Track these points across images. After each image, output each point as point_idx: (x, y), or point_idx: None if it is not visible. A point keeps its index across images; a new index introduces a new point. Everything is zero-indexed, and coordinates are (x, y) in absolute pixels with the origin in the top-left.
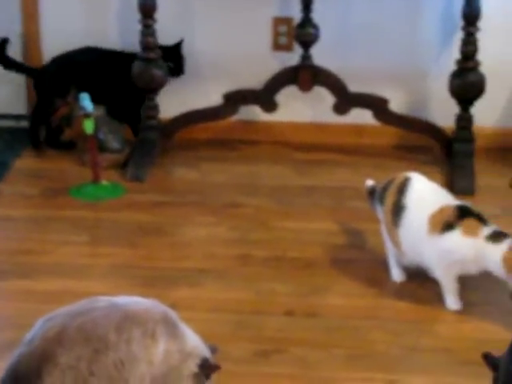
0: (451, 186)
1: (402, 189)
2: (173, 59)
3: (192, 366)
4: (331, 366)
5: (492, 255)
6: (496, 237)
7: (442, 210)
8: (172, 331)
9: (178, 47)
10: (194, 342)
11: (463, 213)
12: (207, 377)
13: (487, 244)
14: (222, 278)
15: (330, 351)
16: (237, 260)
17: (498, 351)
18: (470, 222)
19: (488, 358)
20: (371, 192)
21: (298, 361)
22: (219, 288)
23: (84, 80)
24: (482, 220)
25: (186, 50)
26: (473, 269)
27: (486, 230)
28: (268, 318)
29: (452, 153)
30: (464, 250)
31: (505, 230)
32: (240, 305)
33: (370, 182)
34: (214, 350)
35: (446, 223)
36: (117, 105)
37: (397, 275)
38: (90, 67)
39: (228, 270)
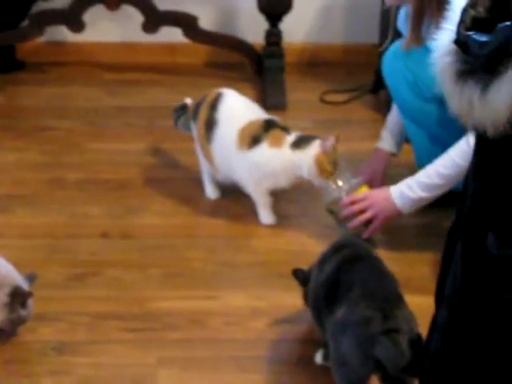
0: (264, 102)
1: (214, 104)
2: None
3: (2, 297)
4: (148, 286)
5: (302, 161)
6: (301, 142)
7: (250, 125)
8: None
9: None
10: (5, 272)
11: (269, 125)
12: (23, 305)
13: (294, 152)
14: (33, 204)
15: (146, 271)
16: (49, 184)
17: (311, 263)
18: (275, 133)
19: (297, 273)
20: (179, 109)
21: (113, 282)
22: (31, 213)
23: None
24: (285, 130)
25: None
26: (283, 181)
27: (290, 138)
28: (82, 241)
29: (263, 69)
30: (272, 163)
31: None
32: (53, 229)
33: (186, 101)
34: (32, 278)
35: (253, 137)
36: None
37: (211, 192)
38: None
39: (40, 195)
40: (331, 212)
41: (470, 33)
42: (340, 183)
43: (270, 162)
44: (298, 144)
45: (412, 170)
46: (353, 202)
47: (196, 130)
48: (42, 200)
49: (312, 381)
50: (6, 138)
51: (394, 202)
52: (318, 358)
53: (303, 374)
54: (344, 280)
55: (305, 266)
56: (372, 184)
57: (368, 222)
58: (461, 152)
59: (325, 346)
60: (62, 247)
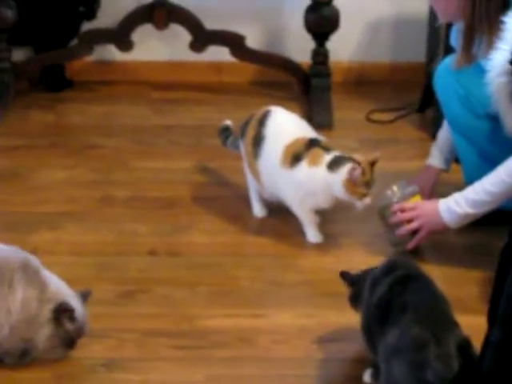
0: (310, 121)
1: (263, 120)
2: (84, 2)
3: (46, 312)
4: (196, 304)
5: (334, 183)
6: (335, 163)
7: (295, 142)
8: (31, 278)
9: None
10: (55, 288)
11: (311, 144)
12: (71, 320)
13: (328, 172)
14: (83, 221)
15: (194, 289)
16: (98, 202)
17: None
18: (315, 151)
19: (345, 276)
20: (223, 131)
21: (162, 300)
22: (81, 231)
23: None
24: (326, 149)
25: None
26: (323, 200)
27: (328, 157)
28: (131, 259)
29: (310, 88)
30: (310, 182)
31: (347, 154)
32: (102, 247)
33: (227, 122)
34: (86, 294)
35: (295, 155)
36: None
37: (258, 211)
38: None
39: (89, 212)
40: (383, 217)
41: None
42: (395, 189)
43: (308, 180)
44: (332, 165)
45: (461, 188)
46: (402, 210)
47: (244, 147)
48: (91, 217)
49: None
50: (56, 156)
51: (441, 216)
52: (367, 377)
53: None
54: (396, 302)
55: None
56: None
57: (414, 232)
58: (509, 170)
59: (374, 365)
60: (112, 264)
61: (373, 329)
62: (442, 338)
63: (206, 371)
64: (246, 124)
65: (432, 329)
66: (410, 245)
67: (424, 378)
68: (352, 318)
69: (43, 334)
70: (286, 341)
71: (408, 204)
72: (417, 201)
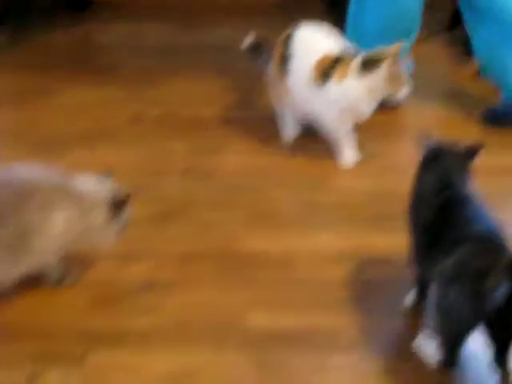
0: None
1: (288, 39)
2: None
3: (100, 218)
4: (231, 226)
5: (376, 82)
6: (367, 65)
7: (323, 59)
8: (68, 197)
9: None
10: (92, 193)
11: (336, 61)
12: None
13: (363, 76)
14: (114, 139)
15: (230, 211)
16: (128, 120)
17: (397, 202)
18: (341, 67)
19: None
20: (252, 49)
21: (199, 222)
22: (112, 150)
23: None
24: (350, 58)
25: None
26: (363, 110)
27: (355, 63)
28: (165, 179)
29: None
30: (344, 98)
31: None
32: (136, 166)
33: (248, 39)
34: (109, 175)
35: (324, 72)
36: None
37: (290, 132)
38: None
39: (120, 131)
40: None
41: None
42: None
43: (341, 97)
44: (365, 67)
45: None
46: None
47: (272, 68)
48: (122, 136)
49: (401, 324)
50: (82, 75)
51: None
52: (408, 300)
53: (391, 317)
54: (451, 230)
55: (393, 207)
56: None
57: None
58: None
59: (419, 284)
60: (146, 185)
61: (421, 250)
62: (498, 266)
63: (247, 293)
64: (273, 46)
65: (492, 259)
66: None
67: (482, 308)
68: (388, 241)
69: (104, 235)
70: (326, 263)
71: None
72: None
